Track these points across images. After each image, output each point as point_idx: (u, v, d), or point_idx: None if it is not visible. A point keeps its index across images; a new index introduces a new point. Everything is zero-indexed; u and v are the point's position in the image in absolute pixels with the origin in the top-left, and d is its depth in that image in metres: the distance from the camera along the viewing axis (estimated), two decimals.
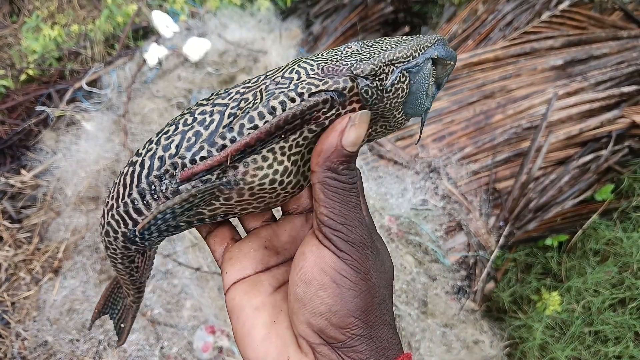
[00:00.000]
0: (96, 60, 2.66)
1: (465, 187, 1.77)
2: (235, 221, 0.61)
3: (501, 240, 1.76)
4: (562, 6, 2.14)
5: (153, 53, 2.36)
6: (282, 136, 0.48)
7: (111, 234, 0.54)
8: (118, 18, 2.83)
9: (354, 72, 0.48)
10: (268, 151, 0.48)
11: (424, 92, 0.53)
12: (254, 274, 0.55)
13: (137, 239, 0.54)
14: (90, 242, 1.86)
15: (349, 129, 0.46)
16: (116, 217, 0.52)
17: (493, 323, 2.02)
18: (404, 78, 0.51)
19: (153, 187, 0.50)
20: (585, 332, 1.98)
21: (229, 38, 2.49)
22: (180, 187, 0.49)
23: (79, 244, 1.86)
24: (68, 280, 1.78)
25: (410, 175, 1.72)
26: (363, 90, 0.48)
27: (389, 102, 0.51)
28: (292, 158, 0.49)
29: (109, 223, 0.54)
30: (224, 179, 0.48)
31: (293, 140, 0.49)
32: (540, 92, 1.93)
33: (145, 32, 2.84)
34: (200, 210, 0.51)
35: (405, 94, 0.51)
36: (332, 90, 0.48)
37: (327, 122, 0.48)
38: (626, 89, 1.96)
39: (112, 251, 0.57)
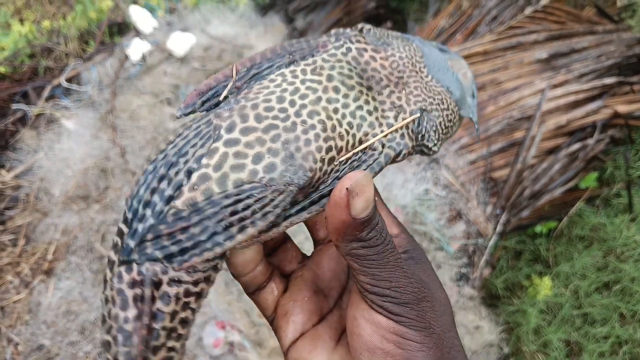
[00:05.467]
0: (71, 56, 2.58)
1: (463, 177, 1.81)
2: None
3: (498, 227, 1.80)
4: (543, 1, 2.22)
5: (136, 48, 2.30)
6: (290, 56, 0.44)
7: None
8: (91, 14, 2.75)
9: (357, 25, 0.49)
10: (277, 75, 0.42)
11: (446, 66, 0.50)
12: (312, 328, 0.50)
13: (123, 227, 0.38)
14: (83, 242, 1.80)
15: (354, 200, 0.37)
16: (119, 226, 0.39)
17: (488, 309, 2.07)
18: (408, 41, 0.49)
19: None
20: (574, 315, 2.06)
21: (212, 33, 2.46)
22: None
23: (71, 244, 1.80)
24: (63, 281, 1.72)
25: (412, 166, 1.75)
26: (369, 32, 0.47)
27: (398, 48, 0.47)
28: (307, 83, 0.42)
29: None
30: (223, 103, 0.41)
31: (305, 65, 0.43)
32: (528, 84, 2.00)
33: (120, 28, 2.77)
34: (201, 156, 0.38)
35: (418, 51, 0.48)
36: (334, 32, 0.47)
37: (337, 51, 0.44)
38: (607, 81, 2.05)
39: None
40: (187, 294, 0.38)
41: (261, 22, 2.65)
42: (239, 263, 0.46)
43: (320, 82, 0.42)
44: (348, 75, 0.43)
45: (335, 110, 0.41)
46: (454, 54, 0.51)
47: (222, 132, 0.38)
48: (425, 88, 0.46)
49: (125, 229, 0.37)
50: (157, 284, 0.37)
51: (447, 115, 0.47)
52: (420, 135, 0.45)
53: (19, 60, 2.54)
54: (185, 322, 0.40)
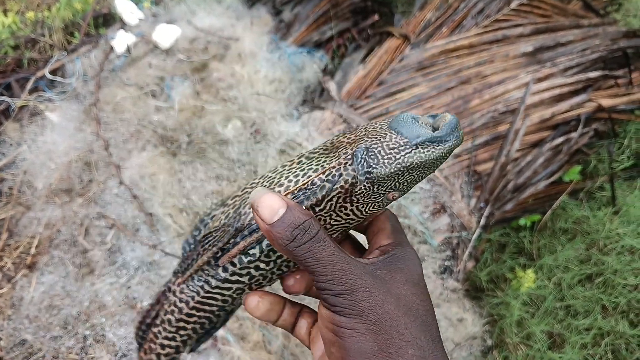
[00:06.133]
0: (56, 47, 2.55)
1: (447, 170, 1.82)
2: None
3: (482, 220, 1.81)
4: None
5: (121, 40, 2.28)
6: None
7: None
8: (76, 5, 2.72)
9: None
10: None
11: (410, 118, 0.54)
12: None
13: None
14: (67, 235, 1.79)
15: (258, 212, 0.48)
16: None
17: (472, 301, 2.09)
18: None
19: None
20: (557, 307, 2.08)
21: (199, 25, 2.44)
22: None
23: (54, 238, 1.79)
24: (46, 275, 1.71)
25: None
26: None
27: (369, 126, 0.56)
28: (285, 163, 0.58)
29: None
30: None
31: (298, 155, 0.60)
32: (513, 78, 2.00)
33: (105, 19, 2.74)
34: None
35: (388, 121, 0.56)
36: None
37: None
38: (592, 74, 2.06)
39: None
40: (175, 304, 0.60)
41: (248, 13, 2.63)
42: (261, 316, 0.59)
43: (292, 161, 0.56)
44: (316, 152, 0.56)
45: (290, 172, 0.55)
46: (442, 114, 0.57)
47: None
48: (372, 134, 0.54)
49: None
50: (169, 289, 0.61)
51: (387, 145, 0.52)
52: (360, 165, 0.51)
53: (2, 52, 2.51)
54: (169, 322, 0.62)
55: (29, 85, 2.24)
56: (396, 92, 1.98)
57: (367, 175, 0.51)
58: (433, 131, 0.53)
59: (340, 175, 0.51)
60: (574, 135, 2.00)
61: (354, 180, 0.51)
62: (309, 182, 0.52)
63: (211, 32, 2.42)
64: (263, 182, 0.55)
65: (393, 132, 0.53)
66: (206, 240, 0.56)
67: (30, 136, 2.05)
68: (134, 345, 1.54)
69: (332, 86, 1.98)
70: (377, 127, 0.55)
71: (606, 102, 2.06)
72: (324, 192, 0.52)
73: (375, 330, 0.46)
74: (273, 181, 0.55)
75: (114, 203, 1.82)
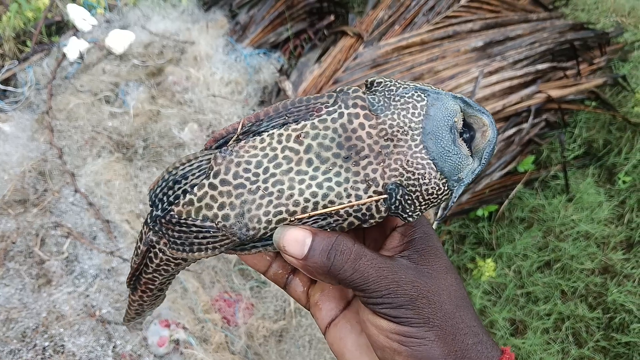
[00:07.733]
0: (7, 57, 2.49)
1: None
2: None
3: (439, 212, 1.85)
4: None
5: (73, 47, 2.25)
6: (286, 117, 0.50)
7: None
8: (28, 13, 2.67)
9: (367, 80, 0.51)
10: (268, 135, 0.49)
11: (447, 131, 0.48)
12: (340, 314, 0.56)
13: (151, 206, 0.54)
14: (22, 247, 1.75)
15: (287, 251, 0.47)
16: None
17: None
18: (419, 97, 0.49)
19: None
20: (518, 294, 2.13)
21: (153, 29, 2.42)
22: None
23: (9, 250, 1.75)
24: (1, 289, 1.67)
25: None
26: (369, 95, 0.49)
27: (396, 112, 0.48)
28: (286, 152, 0.48)
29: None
30: (223, 149, 0.50)
31: (292, 130, 0.49)
32: (465, 72, 2.05)
33: (59, 27, 2.70)
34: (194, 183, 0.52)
35: (419, 115, 0.48)
36: (338, 91, 0.50)
37: (328, 117, 0.48)
38: (540, 67, 2.12)
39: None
40: (168, 262, 0.55)
41: (204, 17, 2.62)
42: (249, 263, 0.58)
43: (297, 152, 0.48)
44: (327, 146, 0.48)
45: (301, 181, 0.48)
46: (479, 110, 0.50)
47: (211, 174, 0.50)
48: (407, 162, 0.47)
49: (150, 209, 0.53)
50: (152, 245, 0.54)
51: (426, 190, 0.48)
52: (393, 207, 0.48)
53: None
54: (165, 271, 0.58)
55: None
56: None
57: (402, 219, 0.49)
58: (468, 139, 0.50)
59: (372, 217, 0.48)
60: (525, 126, 2.05)
61: (384, 218, 0.49)
62: (332, 211, 0.48)
63: (166, 36, 2.40)
64: (267, 184, 0.49)
65: (431, 164, 0.47)
66: (199, 233, 0.51)
67: None
68: (94, 354, 1.52)
69: (287, 86, 1.99)
70: (409, 135, 0.48)
71: (555, 93, 2.12)
72: (352, 227, 0.49)
73: (442, 335, 0.46)
74: (283, 192, 0.48)
75: (69, 212, 1.80)
